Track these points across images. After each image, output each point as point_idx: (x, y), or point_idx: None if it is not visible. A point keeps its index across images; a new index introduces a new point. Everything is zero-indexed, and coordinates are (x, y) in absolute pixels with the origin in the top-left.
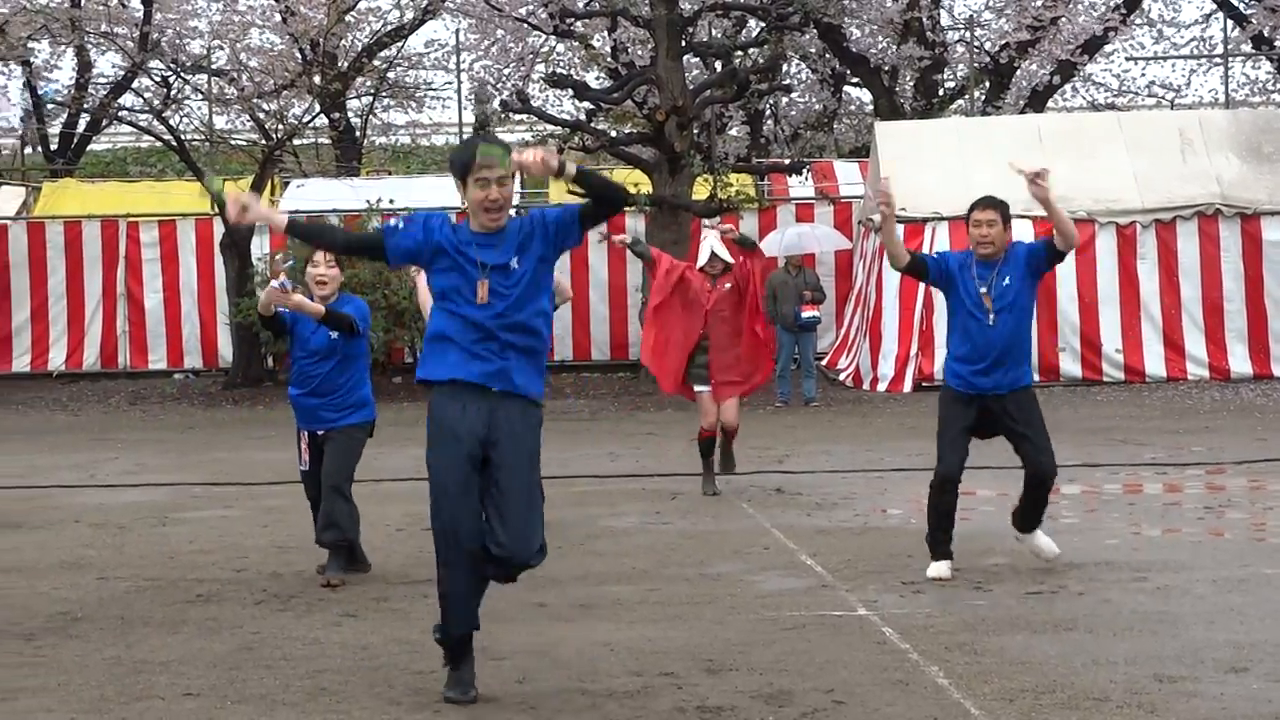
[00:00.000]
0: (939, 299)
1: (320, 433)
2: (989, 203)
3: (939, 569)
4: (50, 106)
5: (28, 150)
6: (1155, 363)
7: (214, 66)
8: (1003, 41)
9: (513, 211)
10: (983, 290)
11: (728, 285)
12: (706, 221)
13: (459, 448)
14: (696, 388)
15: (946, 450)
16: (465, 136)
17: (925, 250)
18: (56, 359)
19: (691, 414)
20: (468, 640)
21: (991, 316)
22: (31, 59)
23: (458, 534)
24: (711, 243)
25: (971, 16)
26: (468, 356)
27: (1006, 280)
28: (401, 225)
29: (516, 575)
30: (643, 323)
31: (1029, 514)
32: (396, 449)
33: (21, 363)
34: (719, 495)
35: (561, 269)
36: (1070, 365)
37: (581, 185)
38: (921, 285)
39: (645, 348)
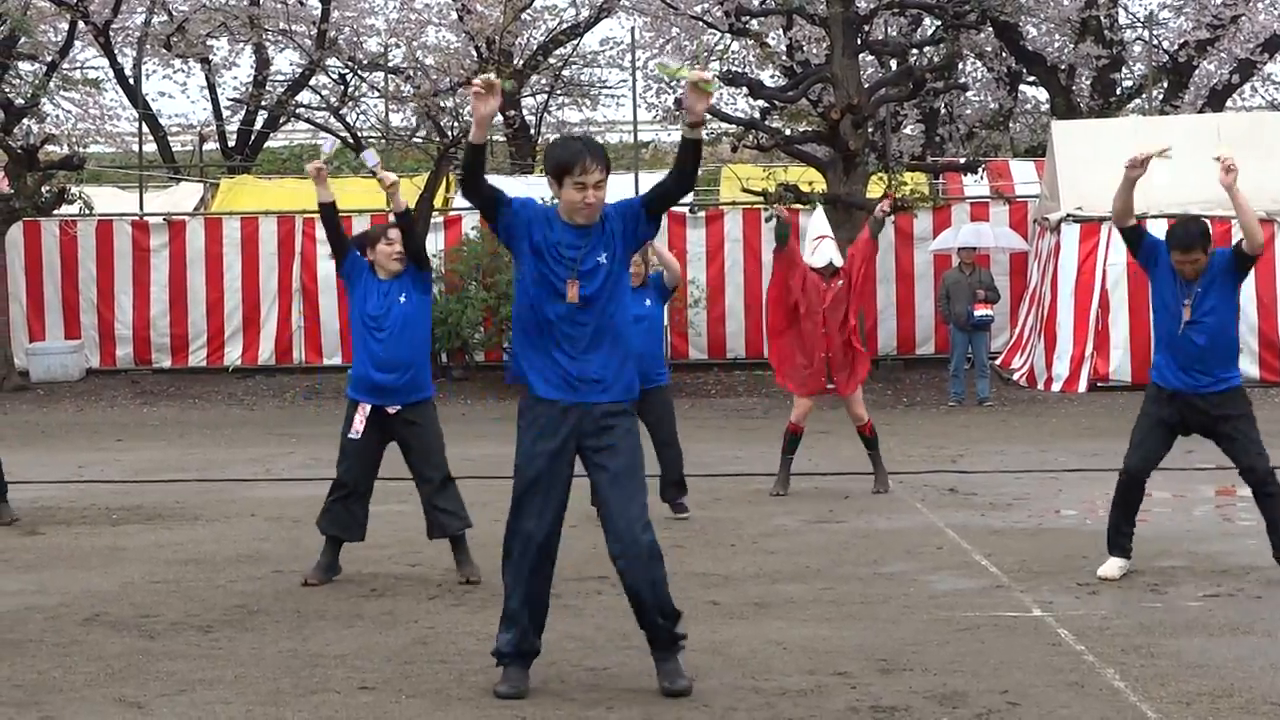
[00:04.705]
0: (1114, 299)
1: (392, 410)
2: (1191, 242)
3: (1109, 568)
4: (229, 103)
5: (206, 146)
6: None
7: (390, 64)
8: (1181, 40)
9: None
10: (1185, 302)
11: (839, 282)
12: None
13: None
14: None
15: (1136, 446)
16: (637, 133)
17: (1101, 252)
18: (233, 354)
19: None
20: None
21: (1182, 327)
22: (210, 56)
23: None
24: (830, 252)
25: (1150, 15)
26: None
27: (1202, 290)
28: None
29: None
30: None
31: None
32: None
33: (198, 357)
34: (784, 496)
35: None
36: (1248, 367)
37: (693, 150)
38: (1097, 286)
39: (781, 369)
